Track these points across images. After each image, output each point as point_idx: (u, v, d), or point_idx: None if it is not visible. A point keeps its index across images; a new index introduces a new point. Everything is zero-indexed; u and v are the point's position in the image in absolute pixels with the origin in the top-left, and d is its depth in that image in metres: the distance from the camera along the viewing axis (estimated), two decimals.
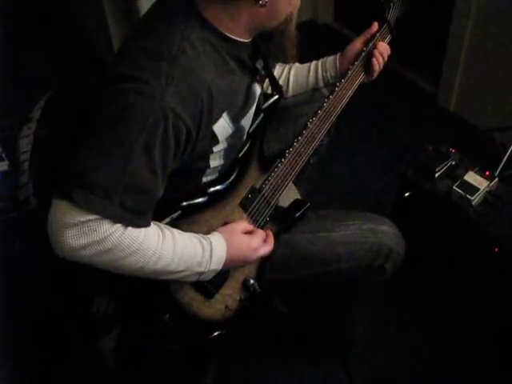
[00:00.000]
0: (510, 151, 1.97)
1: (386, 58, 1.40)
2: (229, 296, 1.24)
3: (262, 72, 1.22)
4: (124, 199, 0.95)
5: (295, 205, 1.34)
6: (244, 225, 1.18)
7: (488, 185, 1.66)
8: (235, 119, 1.13)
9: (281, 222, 1.30)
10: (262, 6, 1.01)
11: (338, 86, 1.31)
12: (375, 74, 1.40)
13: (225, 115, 1.09)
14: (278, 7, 1.04)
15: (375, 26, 1.41)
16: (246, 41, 1.11)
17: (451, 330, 1.76)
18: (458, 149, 1.79)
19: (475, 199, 1.63)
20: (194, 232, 1.12)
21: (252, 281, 1.26)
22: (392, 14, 1.46)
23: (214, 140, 1.10)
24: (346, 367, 1.71)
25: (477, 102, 2.60)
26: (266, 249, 1.20)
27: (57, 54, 3.27)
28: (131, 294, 1.21)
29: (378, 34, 1.39)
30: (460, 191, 1.64)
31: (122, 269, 1.01)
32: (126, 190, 0.95)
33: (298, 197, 1.45)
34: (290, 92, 1.48)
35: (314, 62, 1.46)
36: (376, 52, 1.37)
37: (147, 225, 1.01)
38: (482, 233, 1.62)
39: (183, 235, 1.08)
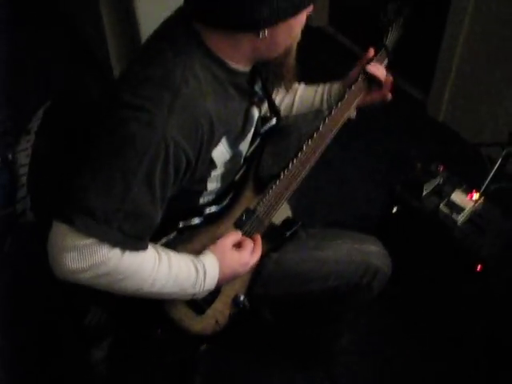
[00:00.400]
0: (494, 169, 2.04)
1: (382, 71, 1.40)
2: (219, 311, 1.27)
3: (260, 94, 1.25)
4: (123, 225, 0.97)
5: (286, 223, 1.36)
6: (232, 238, 1.20)
7: (473, 205, 1.70)
8: (233, 144, 1.16)
9: (271, 240, 1.33)
10: (263, 38, 1.03)
11: (333, 109, 1.33)
12: (386, 91, 1.41)
13: (223, 141, 1.12)
14: (277, 40, 1.06)
15: (371, 51, 1.42)
16: (246, 69, 1.13)
17: (434, 342, 1.81)
18: (446, 166, 1.83)
19: (460, 219, 1.68)
20: (189, 251, 1.16)
21: (242, 297, 1.29)
22: (390, 38, 1.48)
23: (212, 165, 1.13)
24: (331, 376, 1.76)
25: (466, 114, 2.65)
26: (254, 259, 1.22)
27: (52, 50, 3.28)
28: (125, 308, 1.24)
29: (374, 59, 1.41)
30: (446, 210, 1.69)
31: (119, 291, 1.04)
32: (125, 216, 0.97)
33: (290, 214, 1.48)
34: (294, 111, 1.49)
35: (321, 85, 1.48)
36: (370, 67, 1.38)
37: (145, 248, 1.04)
38: (466, 251, 1.67)
39: (178, 258, 1.11)
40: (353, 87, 1.37)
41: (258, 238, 1.24)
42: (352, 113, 1.40)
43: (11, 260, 2.12)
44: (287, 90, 1.41)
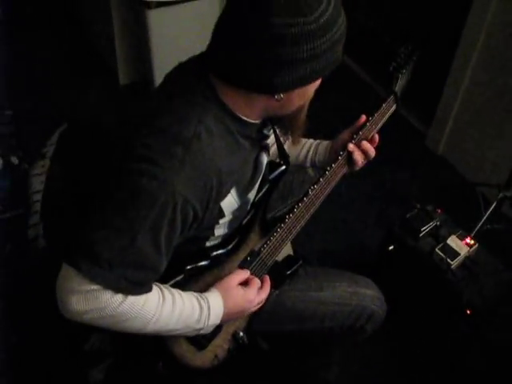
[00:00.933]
0: (488, 212, 2.09)
1: (370, 156, 1.39)
2: (219, 347, 1.31)
3: (270, 136, 1.28)
4: (127, 273, 1.00)
5: (287, 261, 1.40)
6: (239, 276, 1.22)
7: (468, 251, 1.76)
8: (242, 194, 1.19)
9: (272, 277, 1.37)
10: (278, 99, 1.05)
11: (340, 156, 1.35)
12: (356, 168, 1.41)
13: (233, 191, 1.15)
14: (292, 101, 1.09)
15: (363, 118, 1.41)
16: (258, 121, 1.15)
17: (423, 380, 1.87)
18: (443, 209, 1.89)
19: (455, 263, 1.73)
20: (193, 290, 1.19)
21: (241, 333, 1.33)
22: (400, 84, 1.50)
23: (221, 214, 1.16)
24: None
25: (464, 150, 2.70)
26: (262, 296, 1.24)
27: (59, 51, 3.29)
28: (127, 341, 1.28)
29: (367, 124, 1.40)
30: (442, 254, 1.74)
31: (123, 330, 1.07)
32: (130, 265, 1.00)
33: (291, 252, 1.52)
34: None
35: (309, 141, 1.50)
36: (356, 154, 1.36)
37: (148, 291, 1.07)
38: (458, 295, 1.72)
39: (182, 295, 1.13)
40: (333, 166, 1.34)
41: (267, 277, 1.28)
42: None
43: (11, 263, 2.15)
44: (294, 143, 1.43)
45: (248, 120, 1.11)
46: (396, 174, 2.68)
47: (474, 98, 2.57)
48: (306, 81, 1.03)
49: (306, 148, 1.50)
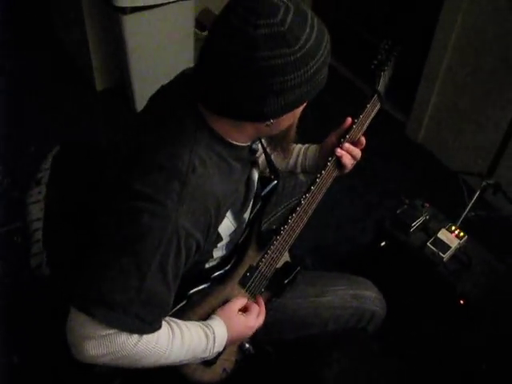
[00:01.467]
0: (472, 201, 2.15)
1: (357, 158, 1.41)
2: (226, 360, 1.33)
3: (258, 150, 1.29)
4: (141, 313, 1.01)
5: (285, 268, 1.42)
6: (239, 302, 1.26)
7: (459, 243, 1.81)
8: (238, 215, 1.20)
9: (272, 287, 1.38)
10: (268, 125, 1.06)
11: (328, 162, 1.36)
12: (346, 171, 1.42)
13: (228, 214, 1.16)
14: (282, 123, 1.10)
15: (348, 121, 1.41)
16: (248, 143, 1.17)
17: (420, 373, 1.91)
18: (431, 203, 1.93)
19: (446, 256, 1.78)
20: (198, 315, 1.22)
21: (247, 345, 1.36)
22: (382, 82, 1.51)
23: (219, 239, 1.17)
24: None
25: (443, 137, 2.76)
26: (259, 321, 1.28)
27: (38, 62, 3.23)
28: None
29: (353, 126, 1.41)
30: (433, 248, 1.79)
31: (136, 367, 1.09)
32: (142, 305, 1.00)
33: (288, 259, 1.54)
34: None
35: (297, 147, 1.51)
36: (345, 157, 1.37)
37: (160, 327, 1.07)
38: (450, 286, 1.77)
39: (189, 327, 1.14)
40: (323, 172, 1.36)
41: (262, 302, 1.31)
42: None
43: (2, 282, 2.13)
44: (285, 158, 1.45)
45: (239, 144, 1.12)
46: (377, 164, 2.72)
47: (451, 86, 2.61)
48: (294, 105, 1.04)
49: (294, 154, 1.51)
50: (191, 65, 3.02)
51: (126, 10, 2.48)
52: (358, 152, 1.40)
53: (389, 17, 3.00)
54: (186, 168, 1.02)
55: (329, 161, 1.37)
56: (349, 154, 1.38)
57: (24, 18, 3.44)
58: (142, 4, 2.50)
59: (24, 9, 3.46)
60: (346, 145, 1.38)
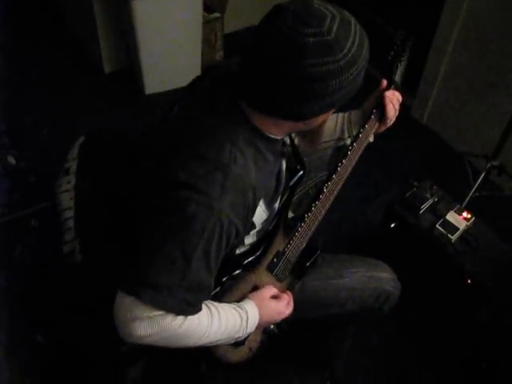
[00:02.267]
0: (478, 183, 2.21)
1: (397, 105, 1.48)
2: (252, 341, 1.40)
3: (288, 144, 1.35)
4: (186, 296, 1.07)
5: (306, 252, 1.49)
6: (271, 290, 1.34)
7: (466, 225, 1.88)
8: (269, 205, 1.27)
9: (294, 270, 1.45)
10: (305, 123, 1.13)
11: (350, 150, 1.43)
12: (390, 122, 1.51)
13: (261, 203, 1.22)
14: (318, 121, 1.16)
15: (384, 82, 1.48)
16: (282, 137, 1.23)
17: (430, 349, 2.00)
18: (439, 185, 2.00)
19: (454, 238, 1.85)
20: (231, 299, 1.28)
21: (272, 326, 1.43)
22: (399, 73, 1.57)
23: (252, 227, 1.24)
24: (331, 379, 1.92)
25: (448, 118, 2.81)
26: (289, 310, 1.36)
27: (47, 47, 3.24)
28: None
29: (372, 116, 1.46)
30: (442, 229, 1.86)
31: (179, 347, 1.16)
32: (187, 289, 1.07)
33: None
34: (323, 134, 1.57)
35: (341, 115, 1.55)
36: (387, 100, 1.45)
37: (201, 310, 1.14)
38: (458, 267, 1.85)
39: (225, 310, 1.21)
40: (372, 117, 1.45)
41: (290, 293, 1.39)
42: (371, 137, 1.51)
43: (22, 267, 2.19)
44: (312, 145, 1.51)
45: (275, 137, 1.18)
46: (383, 145, 2.75)
47: (456, 68, 2.65)
48: (333, 107, 1.11)
49: (339, 124, 1.55)
50: (199, 48, 3.05)
51: None
52: (400, 97, 1.47)
53: (398, 2, 3.01)
54: (228, 159, 1.07)
55: (373, 113, 1.44)
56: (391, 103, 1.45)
57: (32, 2, 3.45)
58: None
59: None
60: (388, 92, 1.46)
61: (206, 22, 2.94)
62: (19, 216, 2.32)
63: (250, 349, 1.41)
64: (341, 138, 1.58)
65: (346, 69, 1.02)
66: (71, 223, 1.37)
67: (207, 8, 2.98)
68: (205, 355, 1.32)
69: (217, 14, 3.00)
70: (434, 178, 2.12)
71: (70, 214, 1.38)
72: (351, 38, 1.02)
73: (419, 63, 2.81)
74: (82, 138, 1.53)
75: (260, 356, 1.55)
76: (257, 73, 1.05)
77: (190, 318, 1.11)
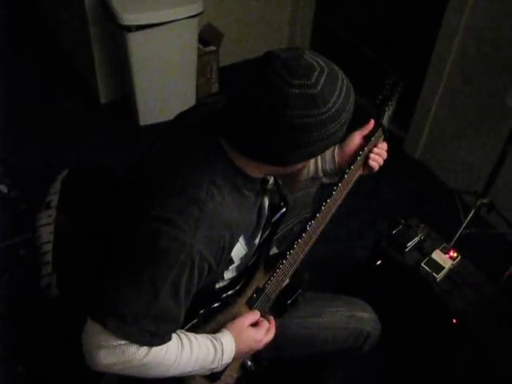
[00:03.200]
0: (467, 220, 2.21)
1: (384, 157, 1.50)
2: (229, 376, 1.39)
3: (270, 182, 1.36)
4: (151, 327, 1.07)
5: (287, 290, 1.48)
6: (250, 318, 1.31)
7: (452, 263, 1.87)
8: (249, 241, 1.27)
9: (275, 308, 1.44)
10: (286, 169, 1.15)
11: (335, 190, 1.42)
12: (375, 170, 1.51)
13: (241, 240, 1.22)
14: (298, 166, 1.17)
15: (371, 122, 1.51)
16: (263, 177, 1.24)
17: None
18: (426, 224, 2.00)
19: (440, 276, 1.84)
20: (207, 331, 1.27)
21: (249, 362, 1.42)
22: (386, 116, 1.58)
23: (231, 262, 1.24)
24: None
25: (441, 154, 2.82)
26: (269, 337, 1.34)
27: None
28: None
29: (374, 135, 1.49)
30: (427, 268, 1.85)
31: (147, 377, 1.15)
32: (153, 320, 1.07)
33: (288, 280, 1.60)
34: (304, 176, 1.56)
35: None
36: (373, 156, 1.46)
37: (169, 340, 1.14)
38: (444, 306, 1.83)
39: (198, 339, 1.21)
40: (352, 167, 1.44)
41: (273, 319, 1.37)
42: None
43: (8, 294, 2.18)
44: (292, 192, 1.52)
45: (254, 176, 1.19)
46: (375, 179, 2.75)
47: (449, 104, 2.68)
48: (313, 155, 1.12)
49: (313, 162, 1.54)
50: (194, 80, 3.09)
51: (131, 29, 2.55)
52: (385, 153, 1.49)
53: (388, 32, 3.06)
54: (205, 196, 1.09)
55: (359, 155, 1.44)
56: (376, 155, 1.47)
57: (29, 31, 3.51)
58: (146, 22, 2.57)
59: (29, 22, 3.53)
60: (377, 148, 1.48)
61: (202, 55, 2.99)
62: (8, 244, 2.32)
63: None
64: (315, 178, 1.58)
65: (328, 122, 1.04)
66: (49, 257, 1.37)
67: (203, 41, 3.03)
68: None
69: (212, 48, 3.05)
70: (425, 215, 2.14)
71: (48, 247, 1.38)
72: (337, 93, 1.03)
73: (412, 98, 2.84)
74: (65, 172, 1.54)
75: None
76: (239, 115, 1.07)
77: (155, 348, 1.10)
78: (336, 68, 1.06)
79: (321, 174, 1.56)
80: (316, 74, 1.02)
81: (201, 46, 3.00)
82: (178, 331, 1.20)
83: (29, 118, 2.99)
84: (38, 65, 3.34)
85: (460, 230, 2.20)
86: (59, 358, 1.63)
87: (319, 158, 1.55)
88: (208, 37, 3.07)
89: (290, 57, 1.03)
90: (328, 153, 1.54)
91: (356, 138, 1.50)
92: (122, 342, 1.06)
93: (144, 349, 1.09)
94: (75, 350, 1.16)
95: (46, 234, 1.40)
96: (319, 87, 1.01)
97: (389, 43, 3.05)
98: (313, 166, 1.55)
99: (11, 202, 2.47)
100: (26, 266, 2.25)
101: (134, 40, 2.61)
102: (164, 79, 2.84)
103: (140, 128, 2.99)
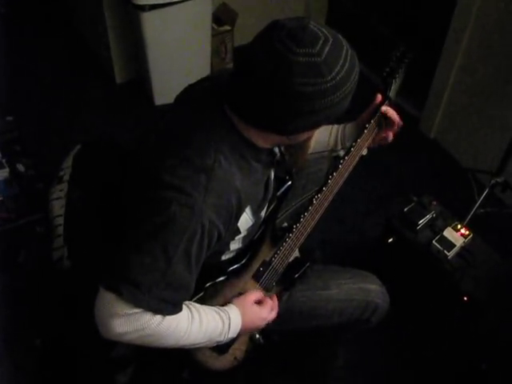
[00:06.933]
0: (481, 199, 2.19)
1: (396, 118, 1.49)
2: (237, 349, 1.41)
3: (278, 155, 1.36)
4: (165, 295, 1.10)
5: (296, 263, 1.50)
6: (255, 295, 1.34)
7: (463, 241, 1.86)
8: (256, 212, 1.28)
9: (283, 280, 1.46)
10: (290, 138, 1.16)
11: (341, 164, 1.43)
12: (391, 134, 1.51)
13: (247, 210, 1.24)
14: (302, 136, 1.19)
15: (379, 97, 1.51)
16: (269, 147, 1.25)
17: (424, 364, 1.98)
18: (439, 200, 1.98)
19: (451, 254, 1.84)
20: (214, 305, 1.29)
21: (258, 335, 1.44)
22: (393, 89, 1.57)
23: (237, 232, 1.26)
24: None
25: (457, 133, 2.79)
26: (272, 315, 1.37)
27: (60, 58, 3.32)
28: (153, 350, 1.38)
29: (365, 131, 1.46)
30: (439, 246, 1.85)
31: (158, 347, 1.18)
32: (166, 287, 1.09)
33: (298, 254, 1.61)
34: (310, 149, 1.59)
35: (335, 127, 1.57)
36: (391, 111, 1.47)
37: (181, 310, 1.16)
38: (455, 283, 1.83)
39: (207, 312, 1.23)
40: (365, 131, 1.46)
41: (275, 298, 1.39)
42: (364, 151, 1.51)
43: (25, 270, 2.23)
44: (299, 167, 1.52)
45: (261, 146, 1.20)
46: (390, 158, 2.75)
47: (464, 82, 2.63)
48: (317, 126, 1.14)
49: (333, 135, 1.57)
50: (208, 60, 3.09)
51: (144, 8, 2.55)
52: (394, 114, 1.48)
53: (405, 11, 3.02)
54: (212, 163, 1.10)
55: (366, 128, 1.45)
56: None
57: (45, 13, 3.54)
58: (160, 1, 2.57)
59: (44, 4, 3.55)
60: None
61: (216, 35, 2.98)
62: (25, 222, 2.37)
63: (235, 358, 1.42)
64: (334, 150, 1.60)
65: (332, 91, 1.05)
66: (61, 230, 1.39)
67: (217, 20, 3.02)
68: (188, 361, 1.34)
69: (227, 27, 3.04)
70: (439, 194, 2.12)
71: (60, 221, 1.40)
72: (341, 62, 1.04)
73: (427, 77, 2.80)
74: (77, 147, 1.56)
75: (250, 366, 1.59)
76: (245, 83, 1.08)
77: (168, 317, 1.12)
78: (340, 38, 1.07)
79: (339, 147, 1.58)
80: (320, 42, 1.03)
81: (215, 26, 3.00)
82: (188, 303, 1.22)
83: (45, 98, 3.02)
84: (55, 46, 3.37)
85: (474, 209, 2.18)
86: (73, 330, 1.67)
87: (339, 132, 1.56)
88: (222, 16, 3.06)
89: (294, 26, 1.04)
90: (348, 127, 1.56)
91: (365, 114, 1.52)
92: (137, 310, 1.08)
93: (158, 317, 1.11)
94: (88, 322, 1.20)
95: (58, 207, 1.42)
96: (323, 56, 1.02)
97: (404, 21, 3.02)
98: (333, 138, 1.57)
99: (28, 180, 2.51)
100: (42, 241, 2.31)
101: (148, 19, 2.61)
102: (178, 59, 2.85)
103: (155, 107, 3.00)
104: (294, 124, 1.09)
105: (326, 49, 1.03)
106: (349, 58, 1.06)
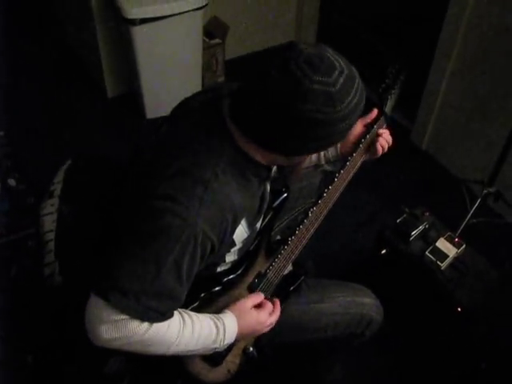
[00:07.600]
0: (473, 209, 2.20)
1: (389, 141, 1.52)
2: (231, 362, 1.40)
3: (274, 169, 1.36)
4: (152, 304, 1.09)
5: (291, 276, 1.50)
6: (252, 299, 1.32)
7: (456, 252, 1.87)
8: (251, 224, 1.28)
9: (277, 294, 1.45)
10: (289, 159, 1.18)
11: (336, 177, 1.44)
12: (378, 156, 1.53)
13: (243, 223, 1.24)
14: (299, 159, 1.22)
15: (375, 111, 1.52)
16: (266, 164, 1.24)
17: (418, 378, 1.98)
18: (431, 211, 1.99)
19: (444, 265, 1.84)
20: (208, 313, 1.27)
21: (251, 348, 1.43)
22: (389, 105, 1.60)
23: (232, 244, 1.26)
24: None
25: (448, 145, 2.80)
26: (272, 319, 1.35)
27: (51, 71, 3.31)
28: (146, 362, 1.36)
29: (376, 123, 1.51)
30: (431, 257, 1.85)
31: (148, 354, 1.17)
32: (155, 297, 1.09)
33: (291, 267, 1.61)
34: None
35: None
36: (381, 139, 1.49)
37: (171, 317, 1.15)
38: (448, 294, 1.83)
39: (200, 319, 1.22)
40: (354, 155, 1.47)
41: (278, 302, 1.37)
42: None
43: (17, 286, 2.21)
44: (293, 181, 1.53)
45: (258, 161, 1.20)
46: (382, 170, 2.75)
47: (455, 93, 2.66)
48: (316, 151, 1.16)
49: None
50: (199, 73, 3.10)
51: (135, 22, 2.56)
52: (390, 138, 1.51)
53: (396, 22, 3.05)
54: (210, 176, 1.10)
55: (361, 143, 1.46)
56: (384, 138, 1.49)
57: (36, 28, 3.54)
58: (151, 15, 2.58)
59: (35, 17, 3.56)
60: (381, 130, 1.50)
61: (207, 48, 3.00)
62: (17, 237, 2.35)
63: (229, 370, 1.41)
64: (318, 165, 1.60)
65: (339, 120, 1.06)
66: (52, 245, 1.38)
67: (208, 34, 3.03)
68: (181, 374, 1.33)
69: (218, 40, 3.05)
70: (432, 205, 2.12)
71: (51, 236, 1.40)
72: (352, 95, 1.06)
73: (418, 89, 2.82)
74: (68, 162, 1.56)
75: (243, 380, 1.57)
76: (255, 100, 1.08)
77: (156, 325, 1.12)
78: (354, 69, 1.09)
79: (323, 161, 1.59)
80: (337, 73, 1.04)
81: (206, 39, 3.01)
82: (181, 310, 1.21)
83: (36, 112, 3.02)
84: (46, 60, 3.37)
85: (466, 220, 2.18)
86: (65, 345, 1.65)
87: None
88: (213, 29, 3.08)
89: (312, 52, 1.05)
90: None
91: (358, 126, 1.53)
92: (124, 316, 1.08)
93: (145, 324, 1.10)
94: (80, 337, 1.19)
95: (49, 222, 1.42)
96: (338, 86, 1.04)
97: (394, 33, 3.04)
98: (314, 154, 1.57)
99: (19, 195, 2.50)
100: (34, 257, 2.29)
101: (139, 33, 2.62)
102: (170, 72, 2.85)
103: (147, 121, 3.00)
104: (296, 147, 1.11)
105: (341, 80, 1.04)
106: (359, 91, 1.08)
